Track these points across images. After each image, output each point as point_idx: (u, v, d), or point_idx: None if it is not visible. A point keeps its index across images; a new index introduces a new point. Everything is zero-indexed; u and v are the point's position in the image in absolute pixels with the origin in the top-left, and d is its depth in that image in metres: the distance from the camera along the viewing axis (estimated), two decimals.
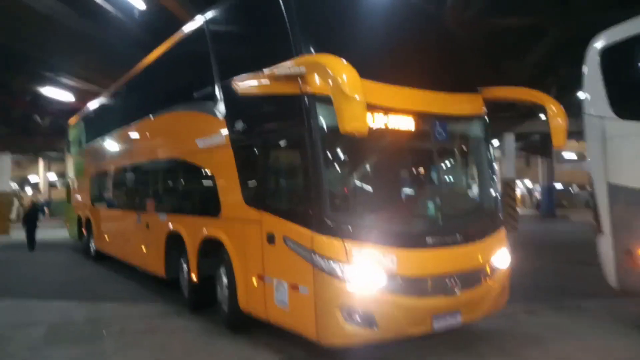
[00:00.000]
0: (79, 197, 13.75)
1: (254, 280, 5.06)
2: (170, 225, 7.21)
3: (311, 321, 4.26)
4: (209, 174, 6.13)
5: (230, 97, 5.62)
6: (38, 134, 21.96)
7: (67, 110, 16.72)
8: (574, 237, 18.30)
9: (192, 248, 6.43)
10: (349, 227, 4.24)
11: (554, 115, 5.15)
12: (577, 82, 17.71)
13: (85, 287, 9.01)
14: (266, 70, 4.76)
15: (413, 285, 4.33)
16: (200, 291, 6.51)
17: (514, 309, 6.66)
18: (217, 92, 5.85)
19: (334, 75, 3.73)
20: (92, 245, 12.20)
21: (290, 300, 4.53)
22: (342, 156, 4.55)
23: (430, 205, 5.09)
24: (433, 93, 5.02)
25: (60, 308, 7.35)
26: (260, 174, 5.10)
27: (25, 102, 19.24)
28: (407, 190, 5.29)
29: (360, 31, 5.05)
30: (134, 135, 9.24)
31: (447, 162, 5.41)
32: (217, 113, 5.81)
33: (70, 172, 15.04)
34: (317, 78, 4.21)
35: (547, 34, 12.47)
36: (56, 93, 16.40)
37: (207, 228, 6.06)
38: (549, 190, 32.58)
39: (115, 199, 10.60)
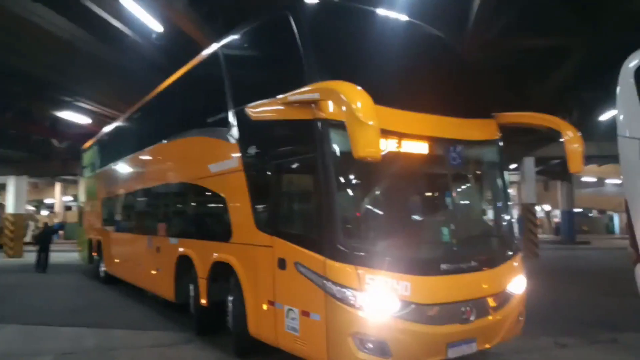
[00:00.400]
0: (90, 220, 13.89)
1: (265, 305, 4.99)
2: (181, 249, 7.21)
3: (322, 349, 4.18)
4: (221, 198, 6.12)
5: (244, 123, 5.66)
6: (55, 158, 22.10)
7: (84, 135, 16.75)
8: (601, 264, 17.75)
9: (202, 272, 6.42)
10: (362, 253, 4.18)
11: (571, 140, 5.04)
12: (599, 105, 17.46)
13: (95, 313, 8.80)
14: (279, 97, 4.77)
15: (427, 313, 4.26)
16: (210, 316, 6.47)
17: (546, 342, 6.39)
18: (231, 118, 5.90)
19: (348, 101, 3.73)
20: (102, 269, 12.23)
21: (301, 326, 4.45)
22: (355, 182, 4.52)
23: (445, 232, 5.01)
24: (446, 119, 4.97)
25: (68, 335, 7.11)
26: (273, 199, 5.06)
27: (44, 127, 19.41)
28: (421, 217, 5.18)
29: (373, 58, 5.06)
30: (146, 159, 9.34)
31: (461, 187, 5.35)
32: (230, 138, 5.87)
33: (83, 196, 15.24)
34: (331, 104, 4.23)
35: (570, 56, 12.22)
36: (74, 117, 16.51)
37: (217, 252, 6.05)
38: (569, 215, 31.94)
39: (127, 223, 10.68)
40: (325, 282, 4.14)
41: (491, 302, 4.70)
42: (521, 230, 20.08)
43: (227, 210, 5.93)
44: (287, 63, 4.96)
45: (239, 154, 5.63)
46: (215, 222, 6.55)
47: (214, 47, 6.71)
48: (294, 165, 4.93)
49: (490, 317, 4.65)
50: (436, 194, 5.39)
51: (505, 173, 5.64)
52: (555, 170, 29.11)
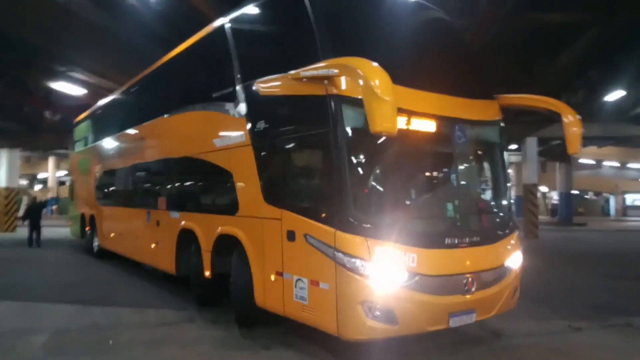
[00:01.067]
0: (82, 195, 13.81)
1: (272, 276, 5.15)
2: (183, 223, 7.28)
3: (332, 316, 4.35)
4: (226, 172, 6.15)
5: (252, 98, 5.70)
6: (48, 131, 21.65)
7: (79, 107, 16.29)
8: (603, 246, 17.67)
9: (206, 245, 6.54)
10: (372, 225, 4.34)
11: (570, 123, 5.18)
12: (606, 85, 17.11)
13: (91, 289, 8.56)
14: (292, 72, 4.82)
15: (432, 284, 4.45)
16: (212, 287, 6.66)
17: (560, 325, 6.21)
18: (238, 93, 5.92)
19: (366, 77, 3.84)
20: (96, 243, 12.23)
21: (310, 296, 4.63)
22: (365, 157, 4.59)
23: (449, 207, 5.16)
24: (452, 98, 5.09)
25: (64, 312, 6.86)
26: (282, 172, 5.25)
27: (38, 98, 18.91)
28: (427, 193, 5.39)
29: (383, 37, 5.16)
30: (146, 134, 9.23)
31: (465, 165, 5.44)
32: (237, 113, 5.91)
33: (74, 171, 15.12)
34: (344, 80, 4.33)
35: (582, 34, 11.82)
36: (69, 88, 16.02)
37: (222, 225, 6.15)
38: (567, 197, 31.90)
39: (123, 197, 10.62)
40: (335, 252, 4.30)
41: (490, 275, 4.92)
42: (519, 210, 20.19)
43: (234, 184, 5.97)
44: (299, 39, 5.06)
45: (246, 129, 5.68)
46: (220, 196, 6.62)
47: (220, 21, 6.62)
48: (305, 140, 4.98)
49: (489, 290, 4.86)
50: (441, 172, 5.50)
51: (506, 154, 5.81)
52: (554, 152, 28.92)
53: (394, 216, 4.62)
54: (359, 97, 4.02)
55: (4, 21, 10.12)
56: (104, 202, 11.85)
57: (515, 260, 5.25)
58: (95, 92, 17.01)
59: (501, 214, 5.64)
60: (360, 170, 4.54)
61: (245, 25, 6.31)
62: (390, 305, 4.26)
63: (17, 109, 20.56)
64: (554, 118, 5.50)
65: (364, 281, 4.20)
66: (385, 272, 4.25)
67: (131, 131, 9.98)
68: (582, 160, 41.14)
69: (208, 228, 6.52)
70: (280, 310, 5.10)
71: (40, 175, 47.06)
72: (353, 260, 4.22)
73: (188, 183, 7.86)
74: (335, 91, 4.40)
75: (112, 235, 11.13)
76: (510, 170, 6.24)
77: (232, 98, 6.00)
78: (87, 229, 13.04)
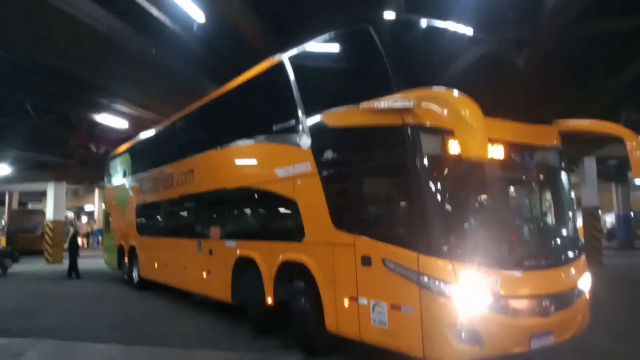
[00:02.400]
0: (120, 226, 14.15)
1: (346, 301, 5.26)
2: (240, 251, 7.49)
3: (417, 340, 4.43)
4: (289, 201, 6.35)
5: (319, 129, 5.92)
6: (93, 163, 21.87)
7: (122, 140, 16.36)
8: None
9: (267, 272, 6.68)
10: (455, 249, 4.47)
11: (634, 147, 5.31)
12: None
13: (135, 326, 8.09)
14: (364, 104, 5.04)
15: (514, 306, 4.54)
16: (271, 315, 6.79)
17: None
18: (303, 125, 6.16)
19: (457, 108, 4.08)
20: (136, 274, 12.49)
21: (390, 320, 4.73)
22: (444, 183, 4.72)
23: (526, 230, 5.45)
24: (519, 124, 5.30)
25: (106, 353, 6.43)
26: (354, 199, 5.45)
27: (83, 132, 19.15)
28: (504, 215, 5.54)
29: (446, 70, 5.47)
30: (195, 166, 9.44)
31: (535, 190, 5.63)
32: (302, 144, 6.14)
33: (109, 203, 15.68)
34: (425, 110, 4.50)
35: None
36: (111, 121, 16.06)
37: (287, 252, 6.34)
38: (625, 219, 29.94)
39: (169, 228, 10.89)
40: (420, 276, 4.42)
41: (566, 296, 4.98)
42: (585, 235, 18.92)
43: (298, 211, 6.16)
44: (369, 73, 5.34)
45: (312, 159, 5.93)
46: (283, 224, 6.88)
47: (281, 56, 6.89)
48: (379, 169, 5.22)
49: (565, 311, 4.90)
50: (515, 196, 5.86)
51: (568, 178, 5.94)
52: (609, 172, 27.30)
53: (475, 239, 4.74)
54: (438, 126, 4.48)
55: (48, 53, 10.05)
56: (147, 233, 12.04)
57: (586, 281, 5.29)
58: (137, 124, 17.02)
59: (571, 237, 5.69)
60: (440, 196, 4.66)
61: (308, 60, 6.54)
62: (476, 327, 4.33)
63: (63, 142, 20.88)
64: (612, 137, 5.68)
65: (451, 304, 4.29)
66: (472, 294, 4.33)
67: (178, 164, 10.17)
68: (638, 181, 38.87)
69: (269, 255, 6.67)
70: (355, 335, 5.19)
71: (87, 207, 48.15)
72: (440, 283, 4.33)
73: (245, 212, 8.10)
74: (412, 121, 4.63)
75: (155, 265, 11.22)
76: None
77: (295, 130, 6.26)
78: (125, 260, 13.27)
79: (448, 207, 4.77)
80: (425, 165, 4.54)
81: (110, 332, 7.61)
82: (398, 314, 4.65)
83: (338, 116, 5.63)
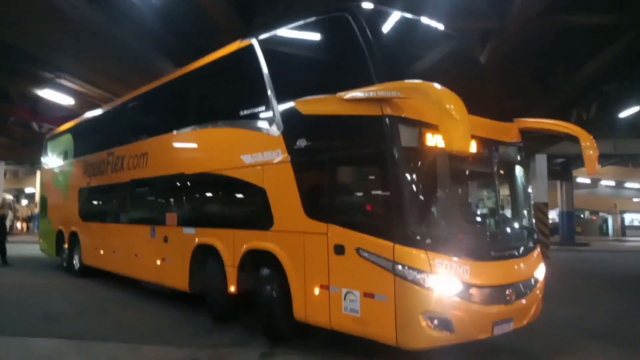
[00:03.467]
0: (60, 211, 13.51)
1: (316, 290, 5.30)
2: (200, 239, 7.33)
3: (390, 327, 4.54)
4: (257, 188, 6.24)
5: (291, 117, 5.88)
6: (35, 144, 20.51)
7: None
8: (622, 268, 16.81)
9: (230, 261, 6.61)
10: (430, 239, 4.63)
11: (588, 147, 5.65)
12: (620, 101, 16.44)
13: (76, 318, 7.47)
14: (342, 94, 5.03)
15: (482, 294, 4.72)
16: (232, 304, 6.77)
17: None
18: (274, 111, 6.10)
19: (441, 101, 4.21)
20: (77, 261, 12.03)
21: (362, 308, 4.81)
22: (421, 174, 4.84)
23: (492, 222, 5.62)
24: (487, 121, 5.45)
25: (42, 349, 5.89)
26: (328, 188, 5.37)
27: (24, 109, 17.86)
28: (474, 207, 6.00)
29: (417, 62, 5.75)
30: (150, 150, 9.04)
31: (501, 184, 5.77)
32: (272, 131, 6.08)
33: (46, 186, 14.86)
34: (406, 102, 4.64)
35: (616, 39, 11.06)
36: (56, 97, 15.01)
37: (252, 240, 6.26)
38: (569, 216, 31.19)
39: (117, 213, 10.38)
40: (395, 265, 4.50)
41: (525, 285, 5.22)
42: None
43: (267, 199, 6.05)
44: (348, 62, 5.39)
45: (284, 147, 5.86)
46: (249, 212, 6.74)
47: (250, 39, 6.73)
48: (356, 158, 5.22)
49: (524, 299, 5.14)
50: (484, 189, 5.99)
51: (527, 174, 6.26)
52: (554, 170, 28.33)
53: (448, 230, 5.03)
54: (416, 118, 4.67)
55: None
56: (91, 218, 11.53)
57: (541, 271, 5.55)
58: (85, 102, 16.06)
59: (528, 229, 5.94)
60: (416, 187, 4.77)
61: (281, 45, 6.47)
62: (448, 315, 4.49)
63: (1, 120, 19.44)
64: (563, 137, 6.00)
65: (425, 292, 4.43)
66: (444, 283, 4.50)
67: (130, 147, 9.71)
68: (578, 180, 40.73)
69: (233, 243, 6.57)
70: (325, 323, 5.23)
71: (28, 190, 45.74)
72: (414, 272, 4.45)
73: (206, 199, 7.89)
74: (391, 112, 4.67)
75: (101, 252, 10.78)
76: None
77: (265, 116, 6.20)
78: (65, 246, 12.74)
79: (423, 198, 4.91)
80: (403, 156, 4.63)
81: (48, 325, 6.99)
82: (371, 302, 4.73)
83: (313, 104, 5.58)
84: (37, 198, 40.37)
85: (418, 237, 4.55)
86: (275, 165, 5.98)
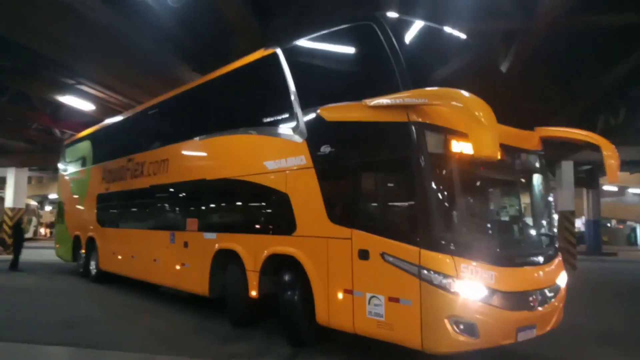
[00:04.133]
0: (77, 217, 13.66)
1: (340, 294, 5.31)
2: (221, 244, 7.37)
3: (415, 331, 4.54)
4: (280, 194, 6.28)
5: (315, 123, 5.93)
6: (57, 149, 20.73)
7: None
8: None
9: (252, 265, 6.64)
10: (456, 244, 4.63)
11: (609, 156, 5.64)
12: None
13: (91, 326, 7.31)
14: (368, 101, 5.09)
15: (507, 300, 4.70)
16: (252, 308, 6.87)
17: None
18: (297, 118, 6.16)
19: (470, 107, 4.27)
20: (94, 267, 12.13)
21: (387, 312, 4.81)
22: (447, 180, 4.88)
23: (516, 229, 5.76)
24: (509, 128, 5.38)
25: (56, 357, 5.79)
26: (353, 194, 5.38)
27: (46, 114, 17.99)
28: (498, 214, 6.00)
29: (442, 69, 5.79)
30: (171, 156, 9.11)
31: (525, 191, 5.91)
32: (296, 138, 6.14)
33: (64, 192, 14.99)
34: (433, 109, 4.71)
35: None
36: (76, 103, 15.07)
37: (275, 245, 6.31)
38: (595, 225, 30.25)
39: (136, 219, 10.54)
40: (421, 270, 4.53)
41: (548, 292, 5.20)
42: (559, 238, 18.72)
43: (290, 205, 6.10)
44: (373, 70, 5.45)
45: (307, 152, 5.92)
46: (272, 217, 6.72)
47: (274, 48, 6.81)
48: (382, 164, 5.24)
49: (547, 306, 5.14)
50: (507, 196, 6.04)
51: (548, 181, 6.30)
52: (580, 177, 27.49)
53: (473, 236, 5.06)
54: (442, 124, 4.74)
55: (2, 24, 9.11)
56: (110, 224, 11.63)
57: (562, 279, 5.54)
58: (105, 108, 16.11)
59: (551, 237, 5.92)
60: (443, 192, 4.80)
61: (305, 53, 6.53)
62: (473, 319, 4.49)
63: (23, 126, 19.66)
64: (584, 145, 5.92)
65: (451, 296, 4.44)
66: (470, 288, 4.51)
67: (150, 153, 9.84)
68: (605, 187, 39.59)
69: (255, 248, 6.63)
70: (348, 328, 5.25)
71: (52, 196, 46.43)
72: (440, 277, 4.46)
73: (228, 204, 7.88)
74: (417, 118, 4.72)
75: (119, 257, 10.86)
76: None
77: (290, 123, 6.26)
78: (82, 251, 12.84)
79: (449, 204, 4.91)
80: (429, 162, 4.66)
81: (62, 332, 6.88)
82: (396, 306, 4.73)
83: (338, 111, 5.64)
84: None
85: (444, 242, 4.57)
86: (299, 171, 6.04)
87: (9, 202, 21.89)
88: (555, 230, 6.13)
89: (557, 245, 5.87)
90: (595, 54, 12.37)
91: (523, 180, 5.87)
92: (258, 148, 6.87)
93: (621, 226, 47.82)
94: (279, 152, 6.38)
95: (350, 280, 5.19)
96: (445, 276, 4.44)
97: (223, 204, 7.98)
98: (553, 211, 6.19)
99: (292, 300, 5.94)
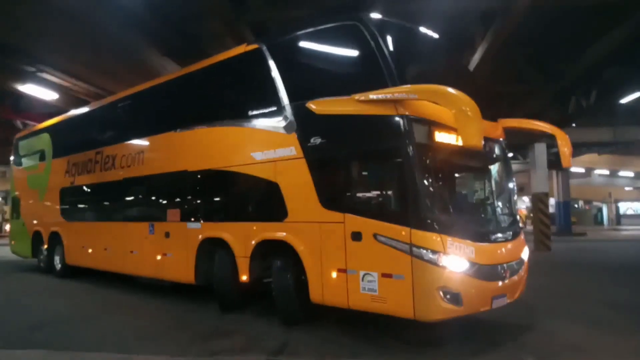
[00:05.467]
0: (37, 212, 13.26)
1: (334, 273, 5.77)
2: (208, 232, 7.61)
3: (408, 302, 5.05)
4: (270, 183, 6.60)
5: (305, 116, 6.26)
6: None
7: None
8: (627, 257, 16.48)
9: (242, 252, 6.95)
10: (442, 224, 5.14)
11: (562, 144, 6.50)
12: (622, 86, 16.02)
13: (62, 326, 6.84)
14: (359, 95, 5.54)
15: (484, 272, 5.29)
16: (240, 293, 7.25)
17: None
18: (286, 111, 6.51)
19: (457, 103, 4.82)
20: (58, 261, 11.98)
21: (381, 287, 5.31)
22: (432, 167, 5.41)
23: (490, 209, 6.43)
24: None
25: None
26: (344, 182, 5.88)
27: (6, 107, 17.09)
28: (475, 196, 6.81)
29: (419, 67, 6.27)
30: (148, 148, 9.16)
31: (495, 176, 6.52)
32: (285, 130, 6.48)
33: (20, 187, 14.42)
34: (420, 103, 5.21)
35: (626, 19, 10.58)
36: (40, 92, 14.32)
37: (265, 232, 6.65)
38: (565, 206, 30.92)
39: (108, 212, 10.45)
40: (412, 247, 5.03)
41: (515, 265, 5.84)
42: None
43: (280, 193, 6.45)
44: (361, 67, 5.93)
45: (297, 144, 6.28)
46: (262, 205, 7.03)
47: (260, 45, 7.08)
48: (371, 153, 5.66)
49: (514, 277, 5.78)
50: (483, 180, 6.60)
51: (510, 166, 6.85)
52: (550, 160, 27.96)
53: (456, 216, 5.71)
54: (427, 117, 5.27)
55: None
56: (77, 218, 11.50)
57: (526, 253, 6.20)
58: (69, 97, 15.40)
59: (515, 215, 6.57)
60: (429, 178, 5.32)
61: (292, 50, 6.79)
62: (458, 289, 5.02)
63: None
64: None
65: (440, 269, 4.97)
66: (455, 262, 5.05)
67: (123, 145, 9.76)
68: (572, 169, 40.49)
69: (243, 236, 6.94)
70: (343, 303, 5.71)
71: None
72: (430, 253, 4.97)
73: (212, 194, 7.99)
74: (405, 112, 5.21)
75: (89, 251, 10.73)
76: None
77: (278, 116, 6.58)
78: (44, 247, 12.61)
79: (435, 188, 5.48)
80: (417, 151, 5.14)
81: (31, 333, 6.46)
82: (389, 281, 5.22)
83: (327, 104, 6.00)
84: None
85: (431, 222, 5.07)
86: (289, 161, 6.36)
87: None
88: (516, 210, 6.78)
89: (519, 224, 6.55)
90: (570, 36, 12.39)
91: (492, 166, 6.46)
92: (244, 140, 7.10)
93: (588, 207, 49.20)
94: (266, 144, 6.67)
95: (343, 260, 5.64)
96: (434, 252, 4.95)
97: (207, 194, 8.05)
98: (515, 193, 6.77)
99: (285, 282, 6.32)
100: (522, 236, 6.30)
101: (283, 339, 5.93)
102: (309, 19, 6.49)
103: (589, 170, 45.60)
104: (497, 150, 6.41)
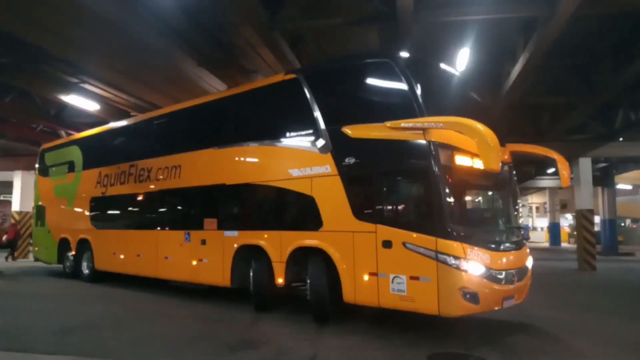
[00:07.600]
0: (64, 220, 13.79)
1: (366, 276, 6.63)
2: (244, 240, 8.43)
3: (433, 301, 5.93)
4: (306, 196, 7.49)
5: (340, 139, 7.19)
6: None
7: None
8: None
9: (278, 257, 7.82)
10: (463, 234, 6.03)
11: (562, 168, 7.62)
12: None
13: (93, 332, 6.88)
14: (391, 123, 6.50)
15: (497, 276, 6.23)
16: (276, 295, 8.14)
17: None
18: (322, 134, 7.43)
19: (481, 133, 5.74)
20: (86, 267, 12.55)
21: (409, 288, 6.18)
22: (454, 186, 6.26)
23: (501, 222, 7.45)
24: None
25: None
26: (376, 196, 6.78)
27: (50, 116, 17.58)
28: (489, 210, 7.80)
29: (445, 101, 7.25)
30: (186, 163, 9.85)
31: (505, 194, 7.45)
32: (321, 150, 7.42)
33: (46, 196, 14.82)
34: (446, 132, 6.18)
35: None
36: (82, 103, 14.67)
37: (301, 239, 7.51)
38: (611, 224, 29.49)
39: (142, 221, 11.02)
40: (438, 254, 5.90)
41: (522, 271, 6.76)
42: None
43: (316, 205, 7.35)
44: (393, 99, 6.84)
45: (332, 163, 7.23)
46: (298, 215, 7.90)
47: (297, 74, 8.07)
48: (401, 173, 6.66)
49: (521, 282, 6.68)
50: (495, 197, 7.63)
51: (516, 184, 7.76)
52: (595, 176, 26.78)
53: (474, 228, 6.73)
54: (449, 143, 6.22)
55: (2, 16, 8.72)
56: (108, 226, 12.11)
57: (530, 262, 7.13)
58: (110, 107, 15.81)
59: (520, 228, 7.54)
60: (452, 195, 6.20)
61: (328, 80, 7.76)
62: (476, 290, 5.90)
63: (28, 127, 19.33)
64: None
65: (461, 273, 5.84)
66: (474, 267, 5.93)
67: (160, 159, 10.43)
68: (619, 187, 38.70)
69: (280, 243, 7.79)
70: (373, 303, 6.59)
71: None
72: (453, 259, 5.84)
73: (249, 206, 8.79)
74: (432, 138, 6.16)
75: (121, 257, 11.34)
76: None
77: (314, 138, 7.52)
78: (71, 253, 13.09)
79: (456, 203, 6.39)
80: (442, 171, 6.08)
81: (60, 339, 6.50)
82: (416, 283, 6.10)
83: (362, 130, 6.93)
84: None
85: (455, 233, 5.97)
86: (324, 177, 7.28)
87: (16, 206, 21.68)
88: (521, 223, 7.90)
89: (525, 236, 7.66)
90: (617, 45, 11.82)
91: (504, 185, 7.34)
92: (281, 158, 7.97)
93: (635, 226, 46.85)
94: (303, 162, 7.58)
95: (375, 264, 6.51)
96: (457, 258, 5.83)
97: (244, 206, 8.89)
98: (520, 208, 7.82)
99: (320, 284, 7.15)
100: (526, 247, 7.23)
101: (312, 349, 5.89)
102: (345, 56, 7.74)
103: (636, 188, 43.56)
104: (506, 171, 7.29)
